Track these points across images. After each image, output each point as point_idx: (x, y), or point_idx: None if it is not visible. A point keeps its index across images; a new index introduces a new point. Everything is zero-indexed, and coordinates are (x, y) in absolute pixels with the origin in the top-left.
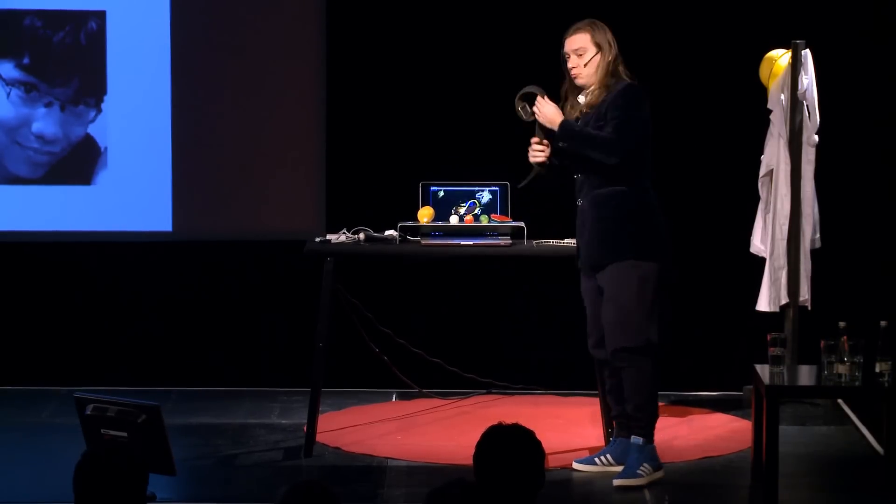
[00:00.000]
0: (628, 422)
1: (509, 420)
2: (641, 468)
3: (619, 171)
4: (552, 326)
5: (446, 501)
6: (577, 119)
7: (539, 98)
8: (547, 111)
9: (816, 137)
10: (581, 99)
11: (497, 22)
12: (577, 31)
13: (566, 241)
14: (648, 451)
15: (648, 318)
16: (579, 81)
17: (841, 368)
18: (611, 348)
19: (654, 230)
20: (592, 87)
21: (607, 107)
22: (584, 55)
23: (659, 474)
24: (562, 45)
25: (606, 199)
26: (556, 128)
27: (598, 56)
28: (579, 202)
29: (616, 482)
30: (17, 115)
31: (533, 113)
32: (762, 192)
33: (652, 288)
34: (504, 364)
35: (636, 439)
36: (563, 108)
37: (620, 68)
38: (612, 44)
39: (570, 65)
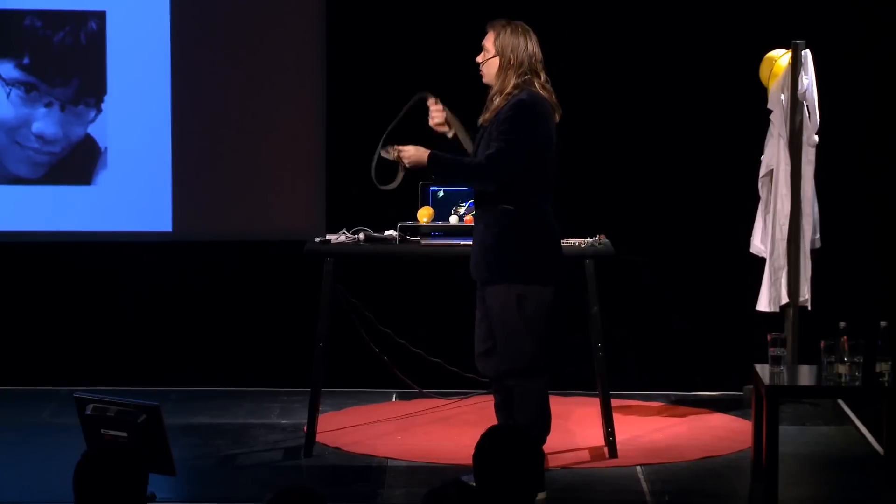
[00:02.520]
0: None
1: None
2: None
3: (507, 191)
4: (551, 326)
5: (443, 502)
6: (480, 128)
7: (398, 147)
8: (409, 153)
9: (816, 138)
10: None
11: None
12: (489, 26)
13: (564, 240)
14: None
15: (532, 340)
16: (484, 80)
17: (841, 368)
18: (501, 368)
19: (540, 253)
20: (492, 94)
21: (495, 121)
22: (484, 54)
23: (542, 495)
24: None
25: (495, 219)
26: (423, 165)
27: (495, 60)
28: (475, 212)
29: None
30: (18, 115)
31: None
32: (762, 193)
33: (534, 309)
34: None
35: None
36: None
37: (525, 78)
38: (519, 52)
39: (478, 58)
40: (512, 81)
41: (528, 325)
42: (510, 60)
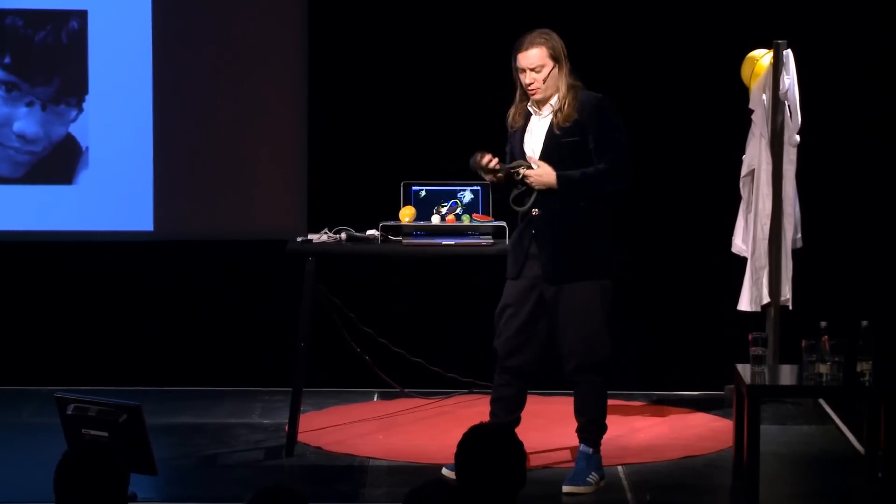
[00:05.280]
0: (579, 432)
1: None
2: (590, 476)
3: None
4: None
5: (424, 501)
6: (552, 133)
7: (528, 169)
8: (542, 176)
9: (798, 137)
10: (535, 110)
11: (478, 22)
12: (532, 45)
13: None
14: (596, 461)
15: (609, 336)
16: (538, 97)
17: (822, 368)
18: (573, 363)
19: (610, 248)
20: (559, 102)
21: (587, 121)
22: (543, 71)
23: (602, 483)
24: (513, 57)
25: (576, 214)
26: (553, 186)
27: (556, 69)
28: (535, 212)
29: (566, 488)
30: None
31: (523, 178)
32: (744, 192)
33: (611, 304)
34: (485, 364)
35: (586, 448)
36: (513, 114)
37: (571, 74)
38: (564, 51)
39: (526, 80)
40: (570, 82)
41: (608, 321)
42: (565, 61)
